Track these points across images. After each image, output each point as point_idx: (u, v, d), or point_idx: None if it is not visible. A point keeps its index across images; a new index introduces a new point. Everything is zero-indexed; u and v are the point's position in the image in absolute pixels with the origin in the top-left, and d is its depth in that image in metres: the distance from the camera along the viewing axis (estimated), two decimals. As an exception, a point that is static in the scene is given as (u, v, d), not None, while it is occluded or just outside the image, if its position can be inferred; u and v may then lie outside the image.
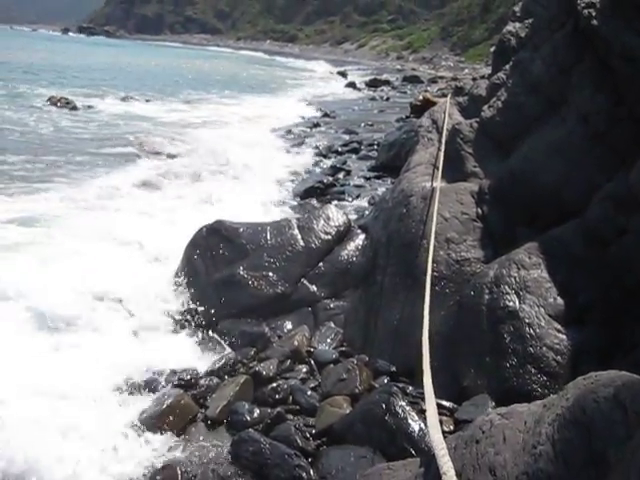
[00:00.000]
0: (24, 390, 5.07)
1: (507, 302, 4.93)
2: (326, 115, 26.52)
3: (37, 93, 25.93)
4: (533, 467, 2.14)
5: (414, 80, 51.33)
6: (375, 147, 17.19)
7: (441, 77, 49.82)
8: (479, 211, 6.17)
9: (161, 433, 4.99)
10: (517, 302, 4.89)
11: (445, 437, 2.64)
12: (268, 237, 7.19)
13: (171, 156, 15.61)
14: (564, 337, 4.65)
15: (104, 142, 17.14)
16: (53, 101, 23.43)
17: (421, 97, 24.85)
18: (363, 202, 11.34)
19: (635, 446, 1.80)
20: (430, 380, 3.16)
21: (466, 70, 55.40)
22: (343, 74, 57.45)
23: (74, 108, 23.08)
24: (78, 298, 6.60)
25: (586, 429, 2.06)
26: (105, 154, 15.60)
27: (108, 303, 6.72)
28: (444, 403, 4.70)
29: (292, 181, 13.68)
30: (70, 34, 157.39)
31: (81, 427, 4.80)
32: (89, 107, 23.97)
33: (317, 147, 18.14)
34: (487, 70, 22.95)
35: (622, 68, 5.00)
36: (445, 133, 7.30)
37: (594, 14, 5.23)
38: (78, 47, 79.44)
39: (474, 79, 9.78)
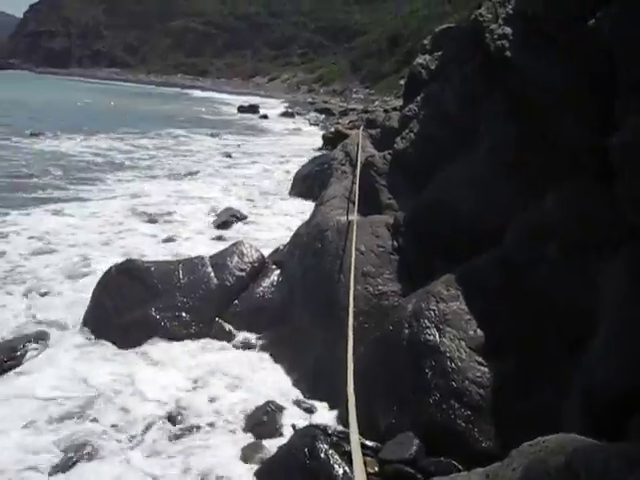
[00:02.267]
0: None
1: (427, 336, 4.84)
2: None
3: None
4: None
5: (326, 112, 51.95)
6: (289, 177, 17.22)
7: (352, 109, 50.44)
8: (395, 244, 6.11)
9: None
10: (437, 336, 4.82)
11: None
12: (180, 276, 6.97)
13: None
14: (485, 370, 4.59)
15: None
16: None
17: (333, 129, 25.11)
18: (277, 235, 11.21)
19: None
20: (356, 429, 2.97)
21: (376, 102, 56.24)
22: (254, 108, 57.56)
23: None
24: None
25: None
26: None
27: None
28: (367, 443, 4.56)
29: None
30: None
31: None
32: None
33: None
34: (397, 102, 23.39)
35: (536, 98, 5.03)
36: (359, 166, 7.26)
37: (507, 45, 5.27)
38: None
39: (386, 111, 9.84)
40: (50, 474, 4.69)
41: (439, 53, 7.58)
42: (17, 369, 6.14)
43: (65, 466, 4.75)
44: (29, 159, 20.29)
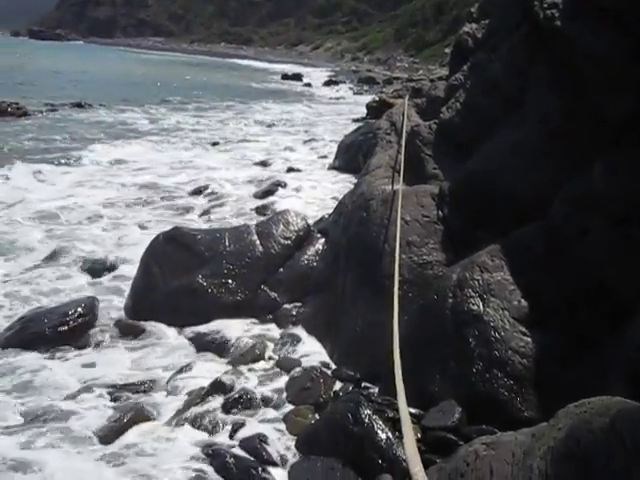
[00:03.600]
0: None
1: (471, 306, 4.86)
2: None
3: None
4: None
5: (370, 81, 51.64)
6: (332, 147, 17.22)
7: (396, 78, 50.13)
8: (440, 214, 6.11)
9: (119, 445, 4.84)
10: (481, 305, 4.83)
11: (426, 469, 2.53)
12: (227, 244, 7.06)
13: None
14: (529, 340, 4.59)
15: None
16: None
17: (377, 98, 24.96)
18: (322, 203, 11.28)
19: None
20: (404, 401, 3.00)
21: (420, 71, 55.77)
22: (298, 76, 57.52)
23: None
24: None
25: (582, 463, 1.95)
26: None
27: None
28: (410, 410, 4.61)
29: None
30: (20, 38, 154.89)
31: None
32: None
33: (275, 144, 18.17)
34: (441, 71, 23.17)
35: (584, 68, 4.98)
36: (404, 135, 7.24)
37: (557, 15, 5.21)
38: (46, 52, 77.80)
39: (431, 80, 9.77)
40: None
41: (486, 21, 7.49)
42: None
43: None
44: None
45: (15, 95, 26.94)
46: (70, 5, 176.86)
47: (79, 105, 26.66)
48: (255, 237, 7.17)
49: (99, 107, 26.80)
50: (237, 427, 4.96)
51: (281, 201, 11.39)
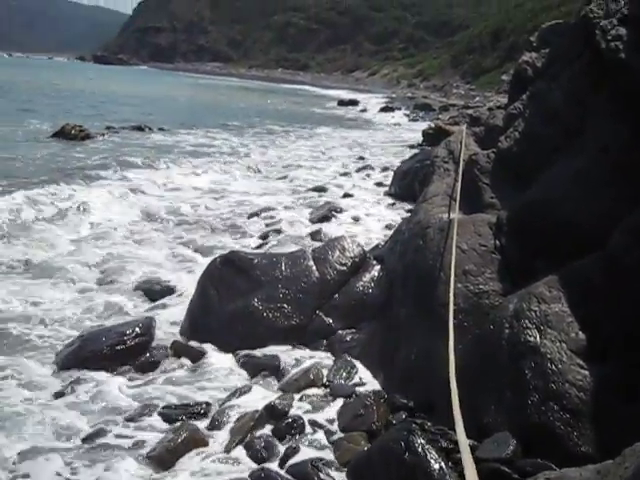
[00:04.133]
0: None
1: (528, 337, 4.82)
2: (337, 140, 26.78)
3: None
4: None
5: (425, 108, 51.64)
6: (388, 173, 17.28)
7: (452, 105, 49.99)
8: (497, 243, 6.08)
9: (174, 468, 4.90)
10: (538, 337, 4.78)
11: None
12: (283, 268, 7.13)
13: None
14: (587, 373, 4.52)
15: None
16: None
17: (433, 125, 24.97)
18: (378, 230, 11.31)
19: None
20: (463, 432, 3.01)
21: (477, 98, 55.53)
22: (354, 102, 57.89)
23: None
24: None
25: None
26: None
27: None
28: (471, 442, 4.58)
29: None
30: (85, 62, 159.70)
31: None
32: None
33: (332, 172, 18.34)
34: (498, 97, 23.05)
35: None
36: (462, 164, 7.25)
37: (621, 47, 5.18)
38: (114, 76, 79.88)
39: (490, 109, 9.77)
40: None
41: (545, 50, 7.47)
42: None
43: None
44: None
45: (78, 118, 27.71)
46: (132, 31, 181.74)
47: (139, 128, 27.18)
48: (311, 262, 7.22)
49: (159, 131, 27.29)
50: (289, 452, 4.98)
51: (337, 227, 11.44)
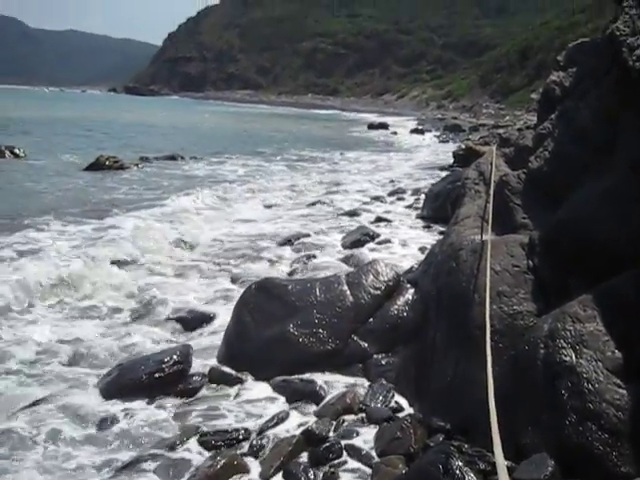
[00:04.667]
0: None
1: (563, 357, 4.81)
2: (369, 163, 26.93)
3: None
4: None
5: (455, 129, 51.70)
6: (419, 196, 17.33)
7: (482, 125, 49.99)
8: (530, 263, 6.08)
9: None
10: (574, 356, 4.78)
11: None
12: (317, 293, 7.19)
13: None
14: (624, 392, 4.51)
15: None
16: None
17: (464, 146, 24.99)
18: (411, 253, 11.35)
19: None
20: (501, 453, 3.08)
21: (507, 117, 55.45)
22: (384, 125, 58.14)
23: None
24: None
25: None
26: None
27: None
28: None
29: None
30: (115, 93, 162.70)
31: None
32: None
33: (363, 195, 18.41)
34: (528, 116, 23.05)
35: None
36: (492, 185, 7.27)
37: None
38: (146, 107, 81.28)
39: (519, 129, 9.79)
40: None
41: (573, 69, 7.49)
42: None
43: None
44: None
45: (112, 149, 28.28)
46: (163, 62, 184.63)
47: (172, 158, 27.60)
48: (345, 287, 7.27)
49: (191, 160, 27.66)
50: (327, 477, 5.01)
51: (369, 251, 11.50)
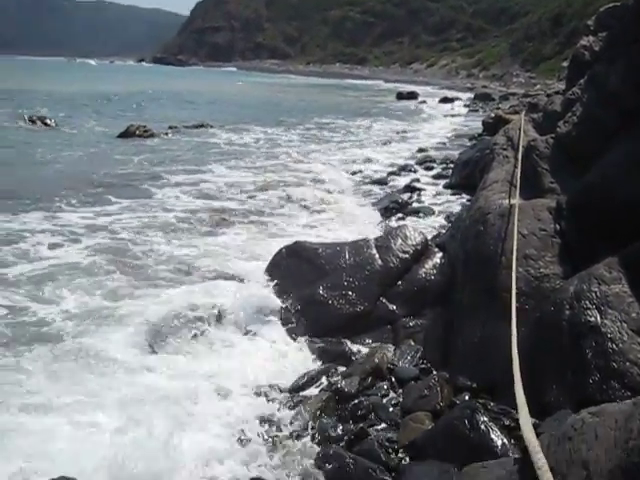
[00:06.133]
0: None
1: (588, 317, 4.89)
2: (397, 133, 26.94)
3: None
4: (626, 461, 2.21)
5: (485, 98, 51.12)
6: (448, 165, 17.31)
7: (512, 94, 49.36)
8: (557, 227, 6.14)
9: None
10: (598, 317, 4.86)
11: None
12: (347, 257, 7.33)
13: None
14: (648, 352, 4.59)
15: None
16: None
17: (493, 115, 24.79)
18: (439, 220, 11.43)
19: None
20: (521, 386, 3.25)
21: (538, 86, 54.65)
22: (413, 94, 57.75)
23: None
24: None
25: None
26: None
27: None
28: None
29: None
30: (144, 64, 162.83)
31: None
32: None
33: (392, 165, 18.43)
34: (559, 85, 22.78)
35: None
36: (521, 150, 7.32)
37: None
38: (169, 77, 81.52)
39: (548, 95, 9.72)
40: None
41: (603, 34, 7.48)
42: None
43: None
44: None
45: (142, 118, 28.58)
46: (190, 32, 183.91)
47: (201, 126, 27.81)
48: (374, 251, 7.40)
49: (219, 128, 27.79)
50: (356, 432, 5.17)
51: (398, 219, 11.62)
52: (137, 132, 23.89)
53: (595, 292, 5.02)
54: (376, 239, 7.70)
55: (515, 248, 5.72)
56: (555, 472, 2.41)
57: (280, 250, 7.77)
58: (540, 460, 2.40)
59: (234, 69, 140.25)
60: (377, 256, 7.32)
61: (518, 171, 6.97)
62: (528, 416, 3.07)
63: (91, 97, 41.89)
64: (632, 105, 6.18)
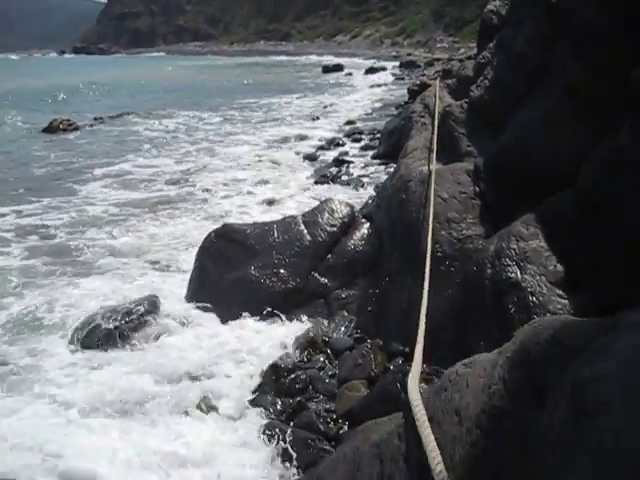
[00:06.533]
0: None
1: (509, 274, 5.05)
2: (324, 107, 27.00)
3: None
4: (488, 404, 2.36)
5: (411, 65, 51.49)
6: (376, 135, 17.46)
7: (437, 59, 49.91)
8: (476, 189, 6.30)
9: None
10: (519, 273, 5.02)
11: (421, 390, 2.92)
12: (276, 235, 7.38)
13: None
14: (566, 302, 4.76)
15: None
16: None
17: (418, 82, 25.01)
18: (368, 191, 11.57)
19: (567, 375, 2.02)
20: (421, 344, 3.44)
21: (462, 50, 55.38)
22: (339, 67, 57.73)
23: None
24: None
25: (530, 367, 2.28)
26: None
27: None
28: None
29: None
30: (65, 55, 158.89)
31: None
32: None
33: (320, 139, 18.52)
34: (480, 48, 23.04)
35: (587, 41, 5.14)
36: (437, 116, 7.45)
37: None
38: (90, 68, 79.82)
39: (460, 60, 9.89)
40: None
41: (509, -2, 7.64)
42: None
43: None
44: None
45: (67, 111, 28.10)
46: (109, 19, 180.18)
47: (126, 114, 27.48)
48: (302, 227, 7.46)
49: (143, 117, 27.46)
50: (294, 405, 5.28)
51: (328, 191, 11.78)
52: (61, 126, 23.50)
53: (514, 249, 5.18)
54: (303, 215, 7.77)
55: (432, 212, 5.85)
56: (433, 422, 2.57)
57: (209, 234, 7.76)
58: (420, 412, 2.56)
59: (163, 54, 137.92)
60: (305, 232, 7.39)
61: (435, 137, 7.10)
62: (418, 372, 3.34)
63: (15, 93, 40.77)
64: (538, 66, 6.35)
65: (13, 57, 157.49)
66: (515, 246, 5.20)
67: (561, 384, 2.01)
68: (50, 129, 23.39)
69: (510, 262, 5.13)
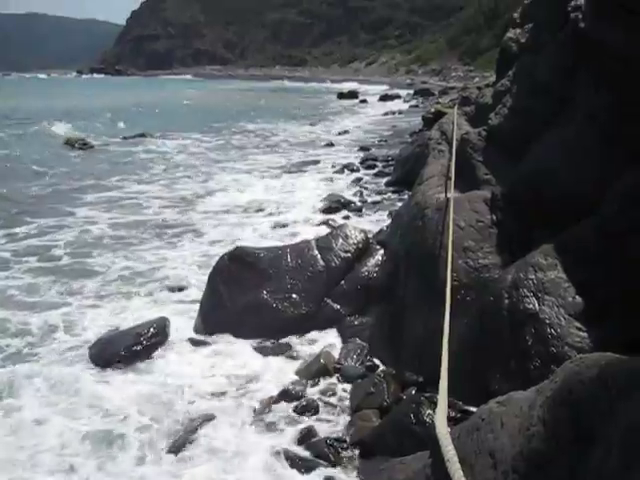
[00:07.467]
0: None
1: (527, 305, 4.96)
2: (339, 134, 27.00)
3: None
4: (527, 447, 2.24)
5: (425, 93, 51.63)
6: (390, 162, 17.42)
7: (452, 88, 49.94)
8: (494, 218, 6.21)
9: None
10: (536, 304, 4.93)
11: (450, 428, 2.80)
12: (289, 260, 7.32)
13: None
14: (585, 335, 4.66)
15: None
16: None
17: (433, 109, 25.02)
18: (382, 217, 11.51)
19: (618, 419, 1.90)
20: (446, 380, 3.30)
21: (476, 79, 55.41)
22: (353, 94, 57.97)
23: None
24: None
25: (573, 408, 2.16)
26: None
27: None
28: (472, 409, 4.74)
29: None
30: (84, 76, 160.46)
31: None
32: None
33: (334, 165, 18.47)
34: (496, 77, 23.06)
35: (616, 67, 5.07)
36: (455, 143, 7.38)
37: (580, 17, 5.32)
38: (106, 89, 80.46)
39: (479, 88, 9.87)
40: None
41: (529, 26, 7.58)
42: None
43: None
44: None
45: (82, 131, 28.33)
46: (128, 41, 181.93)
47: (142, 135, 27.67)
48: (316, 252, 7.40)
49: (159, 138, 27.53)
50: (305, 432, 5.18)
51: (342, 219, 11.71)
52: (76, 145, 23.78)
53: (532, 279, 5.08)
54: (317, 240, 7.70)
55: (451, 241, 5.77)
56: (465, 463, 2.45)
57: (222, 256, 7.71)
58: (450, 452, 2.44)
59: (189, 77, 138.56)
60: (319, 257, 7.32)
61: (453, 165, 7.03)
62: (445, 409, 3.16)
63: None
64: (559, 94, 6.28)
65: (41, 76, 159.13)
66: (533, 277, 5.10)
67: (611, 428, 1.90)
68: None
69: (528, 293, 5.04)
